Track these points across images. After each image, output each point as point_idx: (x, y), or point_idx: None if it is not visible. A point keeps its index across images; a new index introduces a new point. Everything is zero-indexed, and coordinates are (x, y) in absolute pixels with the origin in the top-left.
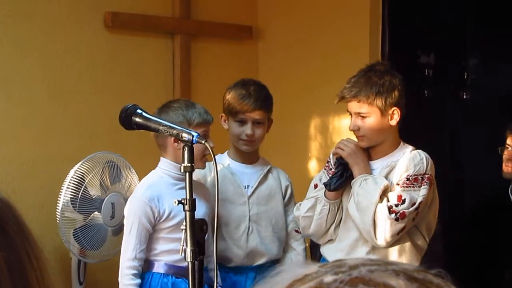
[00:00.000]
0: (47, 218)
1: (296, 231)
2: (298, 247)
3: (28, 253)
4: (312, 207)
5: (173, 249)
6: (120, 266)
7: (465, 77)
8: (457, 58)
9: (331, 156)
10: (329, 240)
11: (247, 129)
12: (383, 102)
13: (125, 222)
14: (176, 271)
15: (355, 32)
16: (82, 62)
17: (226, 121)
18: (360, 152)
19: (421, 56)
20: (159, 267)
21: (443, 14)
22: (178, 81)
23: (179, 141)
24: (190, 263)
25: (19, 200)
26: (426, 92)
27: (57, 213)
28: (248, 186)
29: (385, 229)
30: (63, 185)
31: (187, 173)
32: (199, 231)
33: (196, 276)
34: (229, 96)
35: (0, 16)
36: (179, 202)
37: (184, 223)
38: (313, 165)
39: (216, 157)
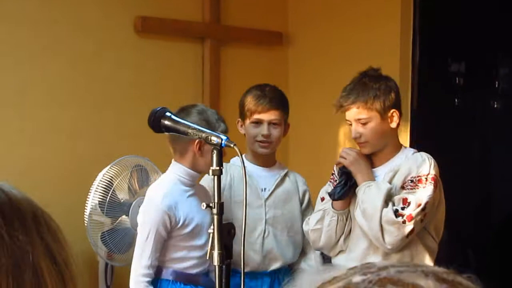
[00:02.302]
0: (75, 222)
1: None
2: (316, 251)
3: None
4: (321, 220)
5: (182, 257)
6: (134, 272)
7: (496, 86)
8: (488, 67)
9: (335, 167)
10: (339, 252)
11: (263, 129)
12: (382, 105)
13: (139, 229)
14: (185, 278)
15: (386, 39)
16: (111, 66)
17: (243, 126)
18: (363, 160)
19: (451, 64)
20: (168, 274)
21: (474, 22)
22: (208, 86)
23: (202, 149)
24: (217, 266)
25: (47, 203)
26: (456, 100)
27: (85, 216)
28: (265, 189)
29: (393, 233)
30: (91, 188)
31: (215, 177)
32: (226, 234)
33: (223, 281)
34: (244, 99)
35: (29, 20)
36: (207, 206)
37: (211, 227)
38: None
39: (234, 159)
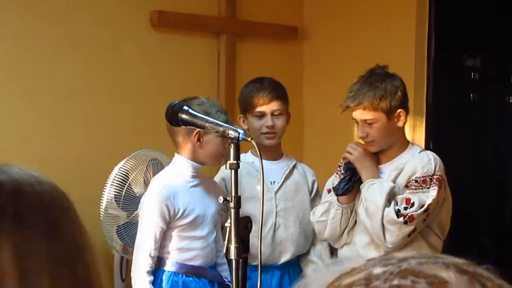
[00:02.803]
0: (90, 215)
1: None
2: (324, 243)
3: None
4: (326, 212)
5: (184, 248)
6: (135, 262)
7: (511, 80)
8: (503, 62)
9: (342, 161)
10: (345, 244)
11: (267, 121)
12: (388, 106)
13: (140, 219)
14: (187, 270)
15: (401, 34)
16: (127, 60)
17: (245, 121)
18: (368, 156)
19: (467, 59)
20: (169, 265)
21: (490, 17)
22: (223, 81)
23: (200, 140)
24: (234, 260)
25: None
26: (471, 95)
27: (100, 210)
28: (274, 181)
29: (394, 232)
30: (107, 182)
31: (233, 171)
32: (243, 228)
33: (240, 274)
34: (244, 94)
35: (46, 13)
36: (224, 199)
37: (229, 221)
38: None
39: (241, 156)
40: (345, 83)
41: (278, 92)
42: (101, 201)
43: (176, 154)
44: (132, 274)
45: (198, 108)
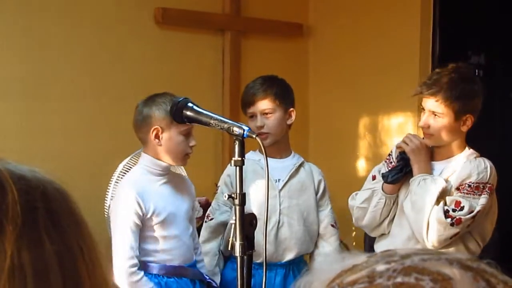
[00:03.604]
0: (94, 213)
1: (332, 225)
2: (333, 242)
3: (81, 246)
4: (368, 199)
5: (161, 248)
6: (120, 268)
7: None
8: (508, 59)
9: (394, 149)
10: (382, 235)
11: (257, 121)
12: (460, 107)
13: (113, 221)
14: (167, 271)
15: (406, 31)
16: (131, 57)
17: (248, 123)
18: (424, 150)
19: (471, 56)
20: (149, 268)
21: (494, 15)
22: (228, 78)
23: (159, 137)
24: (239, 257)
25: None
26: None
27: (104, 207)
28: (279, 179)
29: (438, 232)
30: (111, 179)
31: (237, 167)
32: (248, 225)
33: (245, 271)
34: (242, 94)
35: (50, 12)
36: (229, 196)
37: (233, 217)
38: (361, 164)
39: (249, 153)
40: (350, 80)
41: (265, 90)
42: (106, 198)
43: (142, 153)
44: (124, 278)
45: (164, 107)
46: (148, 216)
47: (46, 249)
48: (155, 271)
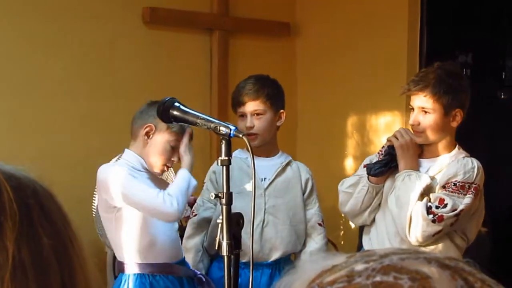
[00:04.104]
0: (83, 212)
1: (320, 224)
2: (320, 241)
3: (72, 241)
4: (354, 185)
5: (145, 246)
6: (153, 205)
7: (503, 77)
8: (495, 58)
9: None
10: (368, 228)
11: (247, 121)
12: (449, 102)
13: (121, 194)
14: (152, 269)
15: (394, 30)
16: (120, 57)
17: (238, 122)
18: (413, 147)
19: (459, 55)
20: (134, 268)
21: (481, 14)
22: (216, 77)
23: (149, 136)
24: (226, 257)
25: (56, 193)
26: None
27: (93, 207)
28: (265, 178)
29: (421, 228)
30: None
31: (224, 167)
32: (235, 224)
33: (232, 270)
34: (232, 93)
35: (38, 11)
36: (216, 196)
37: (220, 217)
38: (349, 163)
39: (236, 151)
40: (337, 79)
41: (257, 91)
42: (94, 198)
43: (125, 150)
44: (175, 208)
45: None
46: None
47: (44, 244)
48: (139, 270)
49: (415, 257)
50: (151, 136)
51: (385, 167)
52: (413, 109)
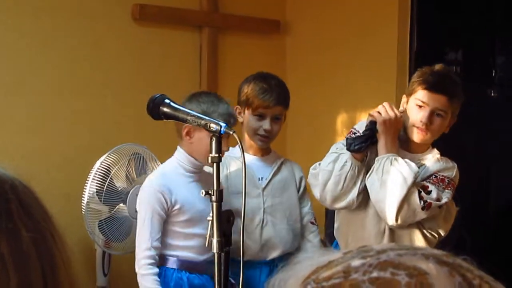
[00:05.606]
0: (72, 210)
1: (312, 222)
2: (313, 239)
3: (53, 235)
4: (334, 161)
5: (187, 245)
6: (136, 256)
7: (493, 74)
8: (485, 55)
9: (359, 123)
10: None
11: (266, 124)
12: (457, 110)
13: (138, 211)
14: (189, 267)
15: (384, 28)
16: (109, 54)
17: (241, 114)
18: (396, 125)
19: (449, 53)
20: (172, 263)
21: (472, 11)
22: (205, 75)
23: (191, 135)
24: (216, 254)
25: (45, 191)
26: None
27: (82, 204)
28: (262, 178)
29: (408, 214)
30: (89, 176)
31: (215, 164)
32: (225, 222)
33: (222, 268)
34: (248, 89)
35: (28, 8)
36: (206, 193)
37: (210, 214)
38: None
39: (232, 151)
40: (328, 77)
41: (283, 97)
42: (83, 195)
43: (178, 146)
44: (136, 269)
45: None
46: (175, 209)
47: (23, 238)
48: (177, 266)
49: (412, 253)
50: (192, 135)
51: (366, 142)
52: (421, 106)
